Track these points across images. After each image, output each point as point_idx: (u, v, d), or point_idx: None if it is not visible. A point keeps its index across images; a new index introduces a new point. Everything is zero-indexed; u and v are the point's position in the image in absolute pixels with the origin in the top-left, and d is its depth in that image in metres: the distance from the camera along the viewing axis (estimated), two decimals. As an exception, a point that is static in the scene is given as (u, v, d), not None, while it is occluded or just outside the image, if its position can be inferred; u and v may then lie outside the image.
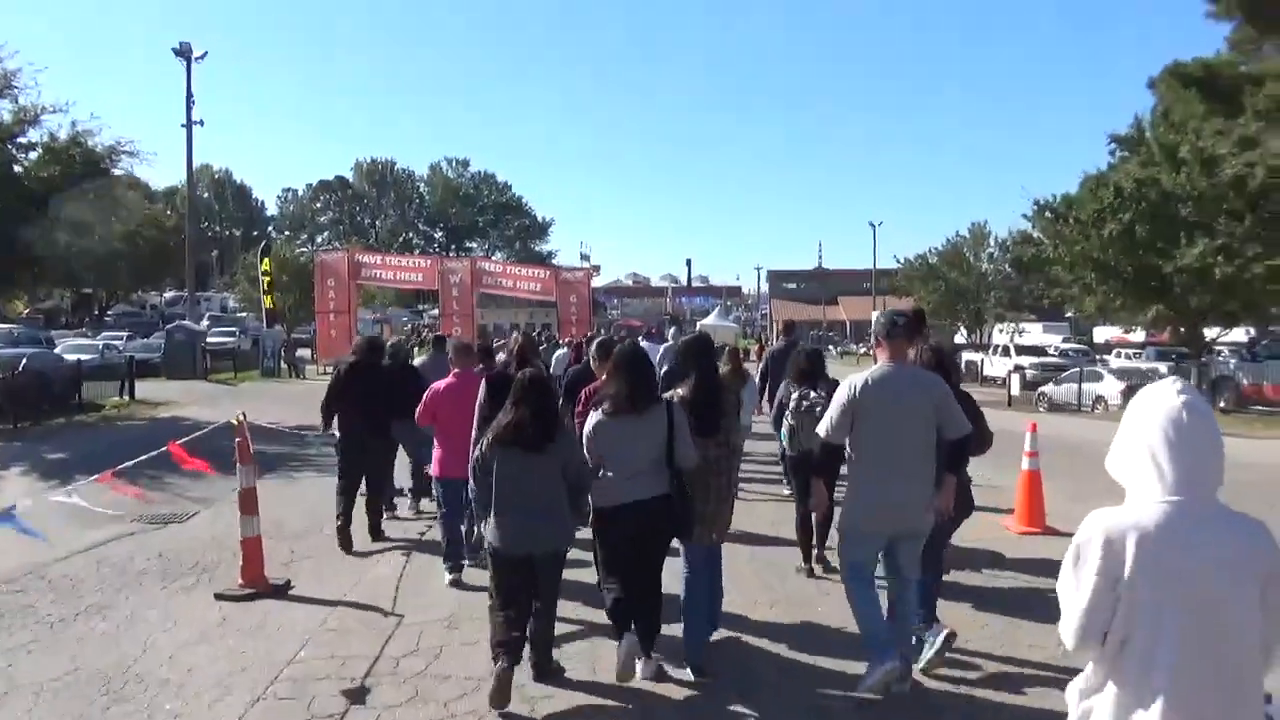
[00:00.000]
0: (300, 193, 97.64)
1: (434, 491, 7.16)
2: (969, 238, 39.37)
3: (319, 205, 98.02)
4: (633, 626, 4.62)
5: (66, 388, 18.10)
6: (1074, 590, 2.08)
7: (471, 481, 4.70)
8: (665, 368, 8.06)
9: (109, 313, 52.57)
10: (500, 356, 8.84)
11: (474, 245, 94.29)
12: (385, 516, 8.18)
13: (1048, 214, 24.74)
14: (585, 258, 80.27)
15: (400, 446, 8.39)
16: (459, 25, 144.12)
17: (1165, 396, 2.09)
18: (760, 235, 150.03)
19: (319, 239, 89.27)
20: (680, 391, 4.90)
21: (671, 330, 15.86)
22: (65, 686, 4.71)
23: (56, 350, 24.71)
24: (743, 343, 35.15)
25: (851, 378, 4.55)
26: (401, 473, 8.84)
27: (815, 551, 6.67)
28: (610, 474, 4.62)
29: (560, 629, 4.96)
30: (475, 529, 6.26)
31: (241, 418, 6.48)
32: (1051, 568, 2.15)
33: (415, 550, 7.50)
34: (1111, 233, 20.97)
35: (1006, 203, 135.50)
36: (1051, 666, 4.83)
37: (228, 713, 4.39)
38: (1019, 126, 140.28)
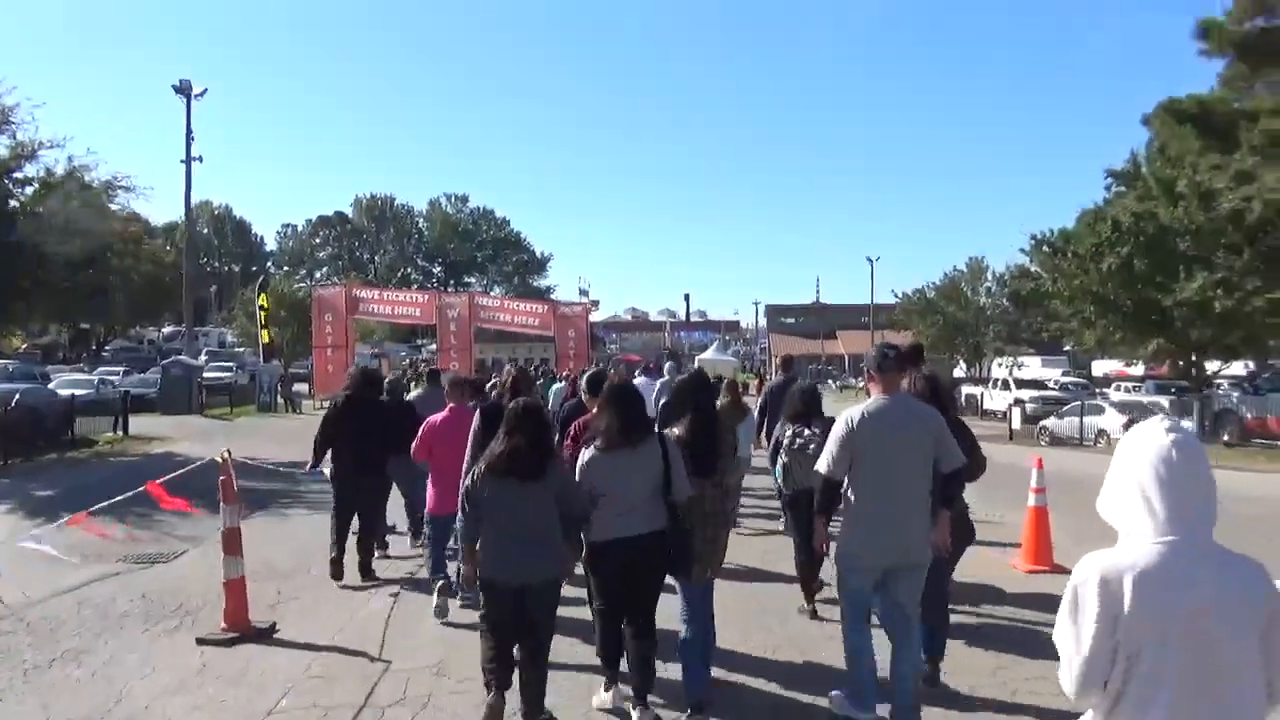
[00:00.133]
0: (300, 228, 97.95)
1: (424, 529, 6.99)
2: (967, 272, 39.52)
3: (318, 240, 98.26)
4: (624, 666, 4.45)
5: (59, 423, 17.93)
6: (1073, 639, 2.04)
7: (460, 511, 4.54)
8: (664, 400, 7.93)
9: (107, 348, 52.54)
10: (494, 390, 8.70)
11: (472, 280, 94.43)
12: (376, 555, 8.00)
13: (1045, 248, 24.79)
14: (584, 292, 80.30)
15: (394, 485, 8.25)
16: (458, 62, 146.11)
17: (1154, 435, 2.07)
18: (758, 270, 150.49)
19: (318, 274, 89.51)
20: (677, 431, 4.78)
21: (668, 365, 15.72)
22: (35, 737, 4.52)
23: (52, 385, 24.62)
24: (742, 377, 35.07)
25: (847, 412, 4.47)
26: (395, 511, 8.66)
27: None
28: (603, 509, 4.50)
29: (554, 674, 4.77)
30: (458, 567, 6.08)
31: (226, 455, 6.32)
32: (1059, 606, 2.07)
33: (405, 589, 7.31)
34: (1110, 266, 21.02)
35: (1004, 238, 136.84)
36: (1057, 712, 4.65)
37: (203, 765, 4.20)
38: (1016, 162, 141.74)
